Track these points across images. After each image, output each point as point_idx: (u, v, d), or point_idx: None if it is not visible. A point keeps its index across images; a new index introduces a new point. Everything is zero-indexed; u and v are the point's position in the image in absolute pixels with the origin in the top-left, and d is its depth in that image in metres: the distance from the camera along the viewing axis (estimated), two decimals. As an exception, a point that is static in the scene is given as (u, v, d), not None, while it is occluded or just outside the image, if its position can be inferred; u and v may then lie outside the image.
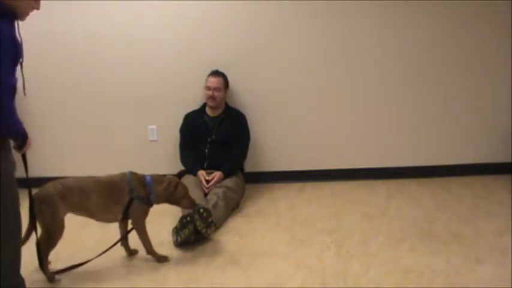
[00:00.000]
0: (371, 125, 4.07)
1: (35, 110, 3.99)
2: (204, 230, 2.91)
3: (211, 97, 3.73)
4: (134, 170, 2.77)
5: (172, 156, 3.99)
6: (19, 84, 2.02)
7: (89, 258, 2.66)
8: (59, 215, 2.52)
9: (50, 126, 4.10)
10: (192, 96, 3.96)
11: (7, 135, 2.02)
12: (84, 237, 3.09)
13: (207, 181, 3.52)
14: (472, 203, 3.50)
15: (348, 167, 4.13)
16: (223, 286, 2.51)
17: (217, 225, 3.09)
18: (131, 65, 3.99)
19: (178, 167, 3.80)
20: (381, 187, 3.91)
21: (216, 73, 3.80)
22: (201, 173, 3.57)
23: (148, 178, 2.73)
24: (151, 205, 2.74)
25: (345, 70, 3.99)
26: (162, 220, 3.21)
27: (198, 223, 2.88)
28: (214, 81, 3.74)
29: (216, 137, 3.72)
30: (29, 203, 2.38)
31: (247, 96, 4.01)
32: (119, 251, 2.82)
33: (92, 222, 2.71)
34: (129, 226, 2.80)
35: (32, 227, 2.43)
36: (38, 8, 2.12)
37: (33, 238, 2.45)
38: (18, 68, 2.04)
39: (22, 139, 2.11)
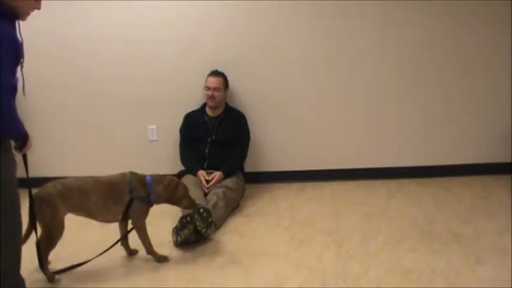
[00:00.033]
0: (371, 125, 4.07)
1: (35, 110, 3.99)
2: (204, 230, 2.91)
3: (211, 97, 3.73)
4: (134, 170, 2.77)
5: (172, 156, 3.99)
6: (19, 85, 2.02)
7: (89, 258, 2.66)
8: (59, 215, 2.52)
9: (50, 126, 4.10)
10: (192, 96, 3.96)
11: (7, 136, 2.02)
12: (84, 237, 3.09)
13: (207, 181, 3.52)
14: (472, 203, 3.50)
15: (348, 167, 4.13)
16: (223, 286, 2.51)
17: (217, 225, 3.09)
18: (131, 65, 4.00)
19: (178, 167, 3.80)
20: (381, 187, 3.91)
21: (215, 73, 3.80)
22: (201, 173, 3.57)
23: (148, 178, 2.73)
24: (151, 205, 2.74)
25: (345, 70, 3.99)
26: (162, 220, 3.21)
27: (198, 223, 2.88)
28: (213, 81, 3.74)
29: (216, 137, 3.72)
30: (29, 203, 2.38)
31: (247, 96, 4.01)
32: (119, 251, 2.82)
33: (92, 222, 2.71)
34: (129, 226, 2.80)
35: (31, 226, 2.43)
36: (38, 8, 2.13)
37: (33, 238, 2.45)
38: (19, 68, 2.04)
39: (23, 139, 2.11)
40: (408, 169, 4.10)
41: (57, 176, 2.87)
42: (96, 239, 2.99)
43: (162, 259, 2.76)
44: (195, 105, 3.92)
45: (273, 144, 4.11)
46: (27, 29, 2.09)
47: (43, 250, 2.49)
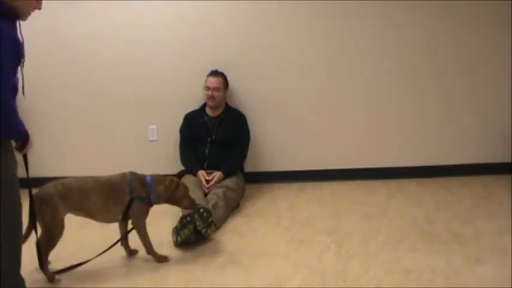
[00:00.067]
0: (371, 125, 4.07)
1: (35, 110, 4.00)
2: (204, 230, 2.91)
3: (211, 97, 3.73)
4: (134, 170, 2.76)
5: (172, 156, 3.99)
6: (19, 85, 2.02)
7: (89, 258, 2.66)
8: (59, 215, 2.51)
9: (50, 126, 4.10)
10: (192, 96, 3.96)
11: (8, 136, 2.01)
12: (84, 237, 3.09)
13: (207, 181, 3.52)
14: (472, 203, 3.50)
15: (348, 167, 4.13)
16: (223, 286, 2.51)
17: (217, 225, 3.09)
18: (131, 65, 4.00)
19: (178, 167, 3.80)
20: (381, 187, 3.91)
21: (215, 73, 3.80)
22: (201, 173, 3.57)
23: (148, 178, 2.73)
24: (151, 205, 2.74)
25: (345, 70, 3.99)
26: (162, 220, 3.21)
27: (198, 223, 2.88)
28: (213, 81, 3.74)
29: (216, 137, 3.72)
30: (29, 203, 2.38)
31: (247, 96, 4.02)
32: (119, 251, 2.82)
33: (92, 222, 2.71)
34: (129, 226, 2.80)
35: (31, 226, 2.43)
36: (39, 8, 2.13)
37: (33, 238, 2.45)
38: (19, 68, 2.04)
39: (23, 139, 2.10)
40: (408, 169, 4.11)
41: (57, 176, 2.87)
42: (96, 239, 2.99)
43: (162, 259, 2.76)
44: (195, 105, 3.92)
45: (273, 144, 4.11)
46: (27, 29, 2.09)
47: (43, 250, 2.48)
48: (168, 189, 2.74)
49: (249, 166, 4.03)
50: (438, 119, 4.05)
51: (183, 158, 3.79)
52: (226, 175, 3.59)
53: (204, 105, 3.86)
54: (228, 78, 3.85)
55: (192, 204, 2.84)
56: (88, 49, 3.98)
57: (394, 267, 2.61)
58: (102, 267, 2.69)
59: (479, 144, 4.07)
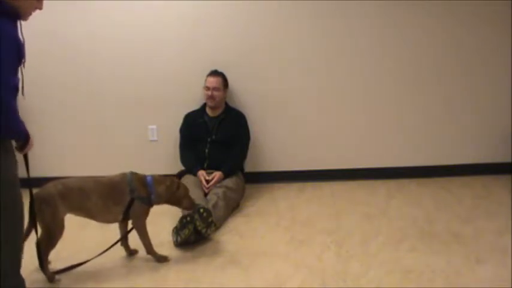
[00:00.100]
0: (371, 125, 4.07)
1: (35, 110, 3.99)
2: (204, 230, 2.91)
3: (211, 97, 3.73)
4: (134, 170, 2.76)
5: (172, 156, 3.99)
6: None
7: (89, 258, 2.66)
8: (59, 215, 2.51)
9: (50, 126, 4.10)
10: (192, 96, 3.96)
11: (9, 136, 2.01)
12: (84, 237, 3.09)
13: (207, 181, 3.52)
14: (472, 203, 3.50)
15: (348, 167, 4.13)
16: (223, 286, 2.51)
17: (217, 225, 3.09)
18: (131, 65, 4.00)
19: (178, 167, 3.80)
20: (381, 187, 3.91)
21: (214, 73, 3.80)
22: (201, 173, 3.57)
23: (149, 178, 2.73)
24: (152, 205, 2.74)
25: (345, 70, 3.99)
26: (162, 220, 3.21)
27: (198, 223, 2.88)
28: (213, 81, 3.74)
29: (216, 137, 3.72)
30: (30, 203, 2.38)
31: (247, 96, 4.02)
32: (119, 251, 2.82)
33: (92, 222, 2.71)
34: (129, 226, 2.80)
35: (32, 226, 2.43)
36: (40, 8, 2.12)
37: (33, 238, 2.45)
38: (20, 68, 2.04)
39: (24, 139, 2.10)
40: (408, 169, 4.11)
41: (57, 176, 2.88)
42: (96, 239, 2.99)
43: (162, 259, 2.76)
44: (195, 105, 3.92)
45: (273, 144, 4.11)
46: (28, 29, 2.09)
47: (43, 250, 2.49)
48: (169, 190, 2.74)
49: (249, 166, 4.03)
50: (438, 119, 4.05)
51: (183, 158, 3.79)
52: (226, 175, 3.59)
53: (204, 105, 3.86)
54: (228, 78, 3.85)
55: (192, 204, 2.84)
56: (88, 49, 3.98)
57: (394, 267, 2.61)
58: (102, 267, 2.69)
59: (479, 144, 4.08)
